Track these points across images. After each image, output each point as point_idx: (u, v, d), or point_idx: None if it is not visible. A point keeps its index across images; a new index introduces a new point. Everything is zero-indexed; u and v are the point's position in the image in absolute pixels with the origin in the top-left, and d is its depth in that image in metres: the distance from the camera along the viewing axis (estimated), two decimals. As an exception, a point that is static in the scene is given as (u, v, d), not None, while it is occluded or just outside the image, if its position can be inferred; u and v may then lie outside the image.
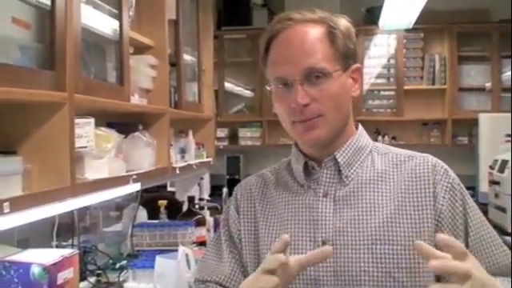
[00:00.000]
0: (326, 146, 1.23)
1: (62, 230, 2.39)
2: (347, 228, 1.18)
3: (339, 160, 1.23)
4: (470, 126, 5.27)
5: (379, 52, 5.48)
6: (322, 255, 1.06)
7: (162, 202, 3.05)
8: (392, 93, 5.47)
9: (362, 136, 1.29)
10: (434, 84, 5.43)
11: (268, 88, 1.24)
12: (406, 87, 5.40)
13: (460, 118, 5.31)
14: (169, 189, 4.15)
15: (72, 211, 2.46)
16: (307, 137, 1.20)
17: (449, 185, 1.21)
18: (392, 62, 5.47)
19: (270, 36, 1.22)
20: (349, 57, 1.23)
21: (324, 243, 1.18)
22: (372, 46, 5.48)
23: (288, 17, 1.21)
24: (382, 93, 5.52)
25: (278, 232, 1.25)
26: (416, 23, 5.00)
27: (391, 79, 5.50)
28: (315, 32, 1.20)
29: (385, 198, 1.20)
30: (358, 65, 1.26)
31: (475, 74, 5.42)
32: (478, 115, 4.93)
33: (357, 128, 1.31)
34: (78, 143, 1.72)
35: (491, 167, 4.20)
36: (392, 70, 5.48)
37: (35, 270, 1.62)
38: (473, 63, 5.42)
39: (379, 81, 5.51)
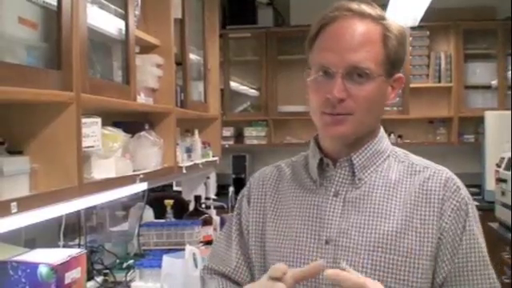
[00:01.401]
0: (347, 144, 1.22)
1: (69, 229, 2.40)
2: (351, 231, 1.17)
3: (354, 162, 1.22)
4: (476, 123, 5.25)
5: (385, 50, 5.46)
6: (313, 271, 1.06)
7: (169, 202, 3.04)
8: (398, 91, 5.43)
9: (382, 140, 1.26)
10: (440, 82, 5.41)
11: (307, 73, 1.21)
12: (411, 85, 5.37)
13: (466, 116, 5.28)
14: (175, 188, 4.15)
15: (79, 211, 2.46)
16: (333, 131, 1.18)
17: (457, 204, 1.18)
18: (398, 59, 5.45)
19: (324, 22, 1.19)
20: (396, 64, 1.21)
21: (327, 243, 1.18)
22: (377, 44, 5.45)
23: (346, 6, 1.18)
24: (388, 91, 5.49)
25: (284, 226, 1.25)
26: (422, 21, 4.98)
27: (397, 77, 5.47)
28: (370, 30, 1.17)
29: (393, 207, 1.18)
30: (401, 75, 1.23)
31: (481, 72, 5.40)
32: (484, 113, 4.92)
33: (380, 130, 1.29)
34: (85, 143, 1.72)
35: (498, 165, 4.18)
36: (398, 68, 5.46)
37: (43, 270, 1.62)
38: (479, 61, 5.40)
39: (385, 79, 5.49)
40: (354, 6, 1.18)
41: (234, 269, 1.31)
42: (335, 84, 1.14)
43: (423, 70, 5.45)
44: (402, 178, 1.21)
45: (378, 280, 1.11)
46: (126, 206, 3.14)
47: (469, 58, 5.36)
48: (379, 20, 1.19)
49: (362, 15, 1.18)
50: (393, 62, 1.19)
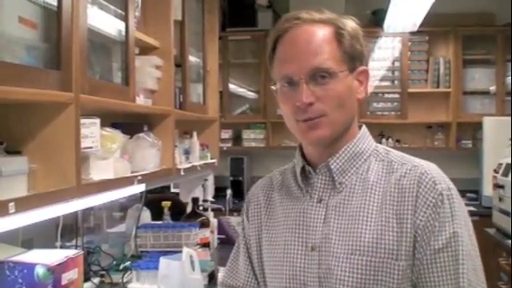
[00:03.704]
0: (329, 145, 1.22)
1: (66, 230, 2.39)
2: (333, 236, 1.17)
3: (332, 167, 1.21)
4: (474, 129, 5.25)
5: (384, 54, 5.47)
6: None
7: (166, 203, 3.04)
8: (396, 95, 5.46)
9: (362, 140, 1.25)
10: (438, 87, 5.42)
11: (273, 87, 1.23)
12: (410, 90, 5.38)
13: (464, 122, 5.29)
14: (172, 190, 4.15)
15: (76, 212, 2.46)
16: (310, 136, 1.19)
17: (432, 200, 1.14)
18: (397, 64, 5.46)
19: (278, 35, 1.21)
20: (356, 58, 1.21)
21: (313, 249, 1.19)
22: (377, 49, 5.46)
23: (296, 16, 1.20)
24: (387, 95, 5.51)
25: (275, 235, 1.26)
26: (421, 26, 4.99)
27: (396, 82, 5.49)
28: (322, 32, 1.19)
29: (371, 209, 1.16)
30: (364, 67, 1.23)
31: (480, 78, 5.40)
32: (482, 119, 4.92)
33: (360, 129, 1.28)
34: (84, 143, 1.71)
35: (495, 171, 4.19)
36: (396, 73, 5.47)
37: (39, 271, 1.62)
38: (477, 66, 5.40)
39: (383, 83, 5.50)
40: (303, 14, 1.21)
41: (243, 282, 1.34)
42: (301, 91, 1.16)
43: (422, 75, 5.46)
44: (380, 177, 1.20)
45: (357, 282, 1.12)
46: (123, 207, 3.14)
47: (467, 63, 5.37)
48: (329, 22, 1.20)
49: (312, 21, 1.20)
50: (351, 57, 1.20)
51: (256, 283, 1.33)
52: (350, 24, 1.23)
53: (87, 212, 2.67)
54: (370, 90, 5.41)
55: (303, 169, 1.25)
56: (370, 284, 1.13)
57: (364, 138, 1.26)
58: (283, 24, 1.21)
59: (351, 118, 1.23)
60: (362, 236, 1.15)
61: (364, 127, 1.28)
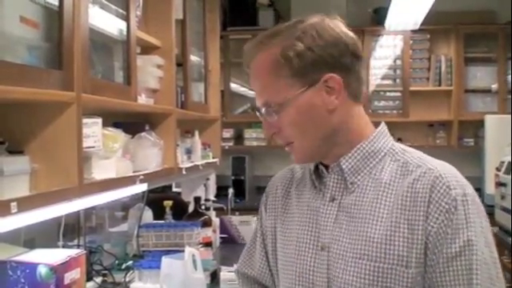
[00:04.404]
0: (319, 159, 1.21)
1: (68, 230, 2.39)
2: (343, 238, 1.15)
3: (343, 166, 1.18)
4: (476, 127, 5.25)
5: (385, 53, 5.47)
6: None
7: (168, 203, 3.04)
8: (398, 94, 5.45)
9: (378, 138, 1.20)
10: (440, 85, 5.41)
11: None
12: (411, 88, 5.37)
13: (466, 120, 5.28)
14: (174, 189, 4.15)
15: (78, 211, 2.46)
16: (294, 159, 1.22)
17: (446, 205, 1.09)
18: (398, 62, 5.46)
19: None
20: (315, 69, 1.13)
21: (323, 249, 1.17)
22: (378, 47, 5.46)
23: (245, 50, 1.21)
24: (388, 94, 5.50)
25: (289, 230, 1.26)
26: (422, 24, 4.98)
27: (397, 80, 5.48)
28: (262, 62, 1.16)
29: (382, 212, 1.13)
30: (330, 74, 1.14)
31: (481, 76, 5.40)
32: (484, 117, 4.92)
33: (378, 127, 1.23)
34: (86, 143, 1.71)
35: (497, 169, 4.18)
36: (398, 71, 5.47)
37: (42, 271, 1.61)
38: (479, 65, 5.40)
39: (385, 82, 5.50)
40: (249, 45, 1.20)
41: (258, 272, 1.36)
42: (263, 123, 1.20)
43: (423, 74, 5.45)
44: (394, 179, 1.15)
45: (364, 287, 1.10)
46: (125, 206, 3.14)
47: (469, 61, 5.36)
48: (276, 44, 1.15)
49: (257, 49, 1.18)
50: (306, 71, 1.13)
51: (270, 274, 1.33)
52: (302, 28, 1.15)
53: (89, 211, 2.67)
54: (372, 88, 5.42)
55: (317, 167, 1.24)
56: None
57: (380, 137, 1.21)
58: (244, 57, 1.22)
59: (327, 132, 1.17)
60: (371, 240, 1.12)
61: (382, 125, 1.24)
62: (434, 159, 1.19)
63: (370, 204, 1.15)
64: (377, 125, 1.24)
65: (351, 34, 1.18)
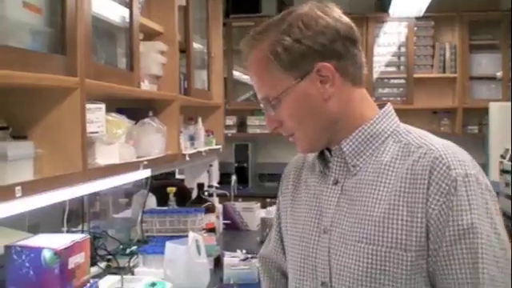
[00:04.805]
0: (324, 146, 1.22)
1: (73, 215, 2.40)
2: (343, 221, 1.15)
3: (344, 149, 1.18)
4: (480, 114, 5.23)
5: (389, 40, 5.44)
6: None
7: (171, 189, 3.05)
8: (402, 81, 5.44)
9: (381, 120, 1.19)
10: (444, 72, 5.40)
11: None
12: (416, 75, 5.36)
13: (470, 107, 5.27)
14: (177, 176, 4.15)
15: (82, 197, 2.47)
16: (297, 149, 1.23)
17: (446, 187, 1.06)
18: (402, 49, 5.43)
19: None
20: (306, 60, 1.13)
21: (325, 232, 1.18)
22: (382, 34, 5.44)
23: (241, 46, 1.21)
24: (392, 81, 5.49)
25: (297, 214, 1.27)
26: (427, 11, 4.96)
27: (401, 67, 5.46)
28: (256, 58, 1.17)
29: (381, 195, 1.11)
30: (322, 64, 1.13)
31: (486, 63, 5.38)
32: (488, 104, 4.90)
33: (382, 108, 1.22)
34: (89, 128, 1.72)
35: (502, 156, 4.17)
36: (402, 58, 5.44)
37: (46, 255, 1.63)
38: (484, 52, 5.37)
39: (389, 69, 5.48)
40: (244, 41, 1.20)
41: (271, 250, 1.41)
42: (266, 118, 1.21)
43: (428, 61, 5.43)
44: (395, 161, 1.13)
45: (362, 271, 1.10)
46: (128, 193, 3.15)
47: (474, 48, 5.34)
48: (264, 38, 1.16)
49: (250, 45, 1.19)
50: (296, 62, 1.13)
51: (282, 253, 1.37)
52: (290, 21, 1.14)
53: (93, 197, 2.68)
54: (376, 75, 5.40)
55: (322, 151, 1.24)
56: (377, 274, 1.09)
57: (383, 119, 1.20)
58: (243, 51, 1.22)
59: (328, 120, 1.16)
60: (369, 223, 1.11)
61: (387, 106, 1.22)
62: (437, 139, 1.16)
63: (370, 187, 1.14)
64: (383, 107, 1.23)
65: (345, 18, 1.17)
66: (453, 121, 5.42)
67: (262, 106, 1.21)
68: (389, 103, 1.23)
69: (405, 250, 1.08)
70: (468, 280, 1.06)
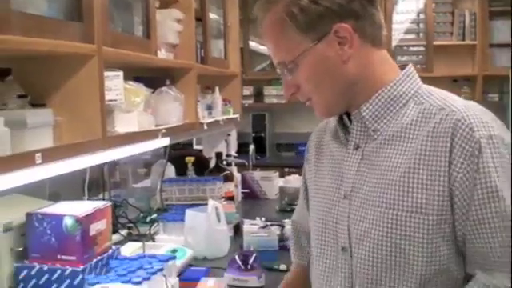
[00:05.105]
0: (343, 111, 1.20)
1: (93, 185, 2.42)
2: (363, 186, 1.14)
3: (364, 114, 1.15)
4: (501, 82, 5.14)
5: (408, 7, 5.35)
6: None
7: (190, 159, 3.06)
8: (421, 48, 5.35)
9: (401, 82, 1.16)
10: (464, 40, 5.30)
11: None
12: (435, 43, 5.27)
13: (491, 75, 5.18)
14: (195, 147, 4.16)
15: (102, 167, 2.49)
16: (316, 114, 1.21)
17: (469, 149, 1.03)
18: (421, 16, 5.33)
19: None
20: (323, 21, 1.10)
21: (345, 197, 1.17)
22: (401, 1, 5.34)
23: (255, 11, 1.18)
24: (412, 48, 5.41)
25: (319, 180, 1.27)
26: (446, -23, 4.86)
27: (420, 34, 5.37)
28: (272, 23, 1.14)
29: (401, 159, 1.09)
30: (339, 24, 1.10)
31: (506, 30, 5.27)
32: (509, 72, 4.81)
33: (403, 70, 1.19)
34: (108, 96, 1.71)
35: (523, 123, 4.12)
36: (421, 25, 5.35)
37: (68, 222, 1.64)
38: (504, 18, 5.26)
39: (408, 36, 5.39)
40: (257, 6, 1.18)
41: (299, 216, 1.44)
42: (282, 84, 1.19)
43: (447, 28, 5.33)
44: (415, 124, 1.11)
45: (382, 236, 1.09)
46: (147, 163, 3.16)
47: (493, 15, 5.22)
48: (279, 1, 1.13)
49: (264, 9, 1.16)
50: (312, 24, 1.10)
51: (306, 217, 1.38)
52: None
53: (112, 167, 2.69)
54: (395, 43, 5.32)
55: (341, 117, 1.23)
56: (397, 239, 1.08)
57: (404, 81, 1.16)
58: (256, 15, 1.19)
59: (346, 83, 1.14)
60: (389, 187, 1.09)
61: (409, 67, 1.19)
62: (460, 100, 1.13)
63: (390, 151, 1.12)
64: (404, 68, 1.20)
65: None
66: (473, 89, 5.34)
67: (278, 71, 1.18)
68: (410, 64, 1.21)
69: (425, 214, 1.06)
70: (498, 243, 1.03)
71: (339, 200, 1.18)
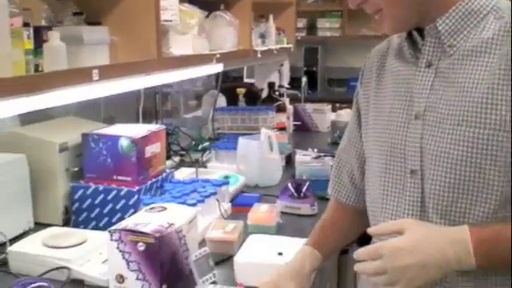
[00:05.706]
0: (414, 26, 1.12)
1: (146, 113, 2.43)
2: (439, 104, 1.07)
3: (440, 28, 1.08)
4: None
5: None
6: None
7: (241, 90, 3.03)
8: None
9: None
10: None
11: None
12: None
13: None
14: (245, 80, 4.12)
15: (155, 95, 2.49)
16: (382, 30, 1.13)
17: None
18: None
19: None
20: None
21: (417, 117, 1.10)
22: None
23: None
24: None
25: (382, 102, 1.19)
26: None
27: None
28: None
29: (483, 74, 1.03)
30: None
31: None
32: None
33: None
34: (163, 16, 1.68)
35: None
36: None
37: (124, 143, 1.64)
38: None
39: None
40: None
41: (342, 148, 1.35)
42: None
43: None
44: (496, 37, 1.04)
45: (461, 155, 1.03)
46: (198, 95, 3.15)
47: None
48: None
49: None
50: None
51: (353, 149, 1.31)
52: None
53: (165, 95, 2.69)
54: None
55: (410, 33, 1.15)
56: (477, 158, 1.02)
57: None
58: None
59: None
60: (470, 105, 1.03)
61: None
62: None
63: (468, 67, 1.05)
64: None
65: None
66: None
67: None
68: None
69: (506, 131, 1.00)
70: None
71: (408, 121, 1.11)
